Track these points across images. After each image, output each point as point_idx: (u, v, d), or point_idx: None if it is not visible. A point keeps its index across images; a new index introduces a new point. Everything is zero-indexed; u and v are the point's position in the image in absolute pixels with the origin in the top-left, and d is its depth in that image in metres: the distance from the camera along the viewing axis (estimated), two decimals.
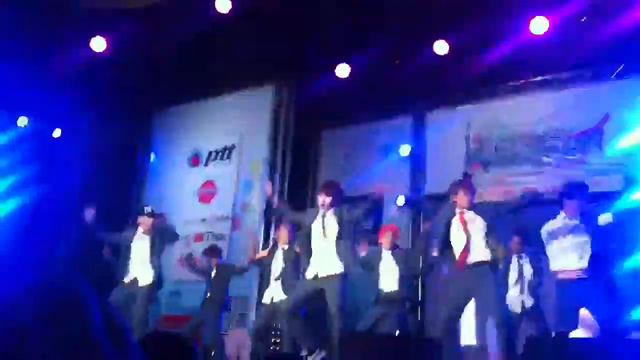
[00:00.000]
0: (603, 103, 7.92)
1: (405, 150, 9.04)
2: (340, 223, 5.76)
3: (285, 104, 9.34)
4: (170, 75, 9.45)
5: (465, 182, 5.91)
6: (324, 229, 5.77)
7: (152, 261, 6.69)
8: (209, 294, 7.44)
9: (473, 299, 5.48)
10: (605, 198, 6.21)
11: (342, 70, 8.62)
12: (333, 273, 5.66)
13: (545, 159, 8.15)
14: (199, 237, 9.11)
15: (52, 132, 9.95)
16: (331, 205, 5.84)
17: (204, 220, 9.27)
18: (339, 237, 5.76)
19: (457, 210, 5.54)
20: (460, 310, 5.60)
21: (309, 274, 5.80)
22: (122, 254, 6.94)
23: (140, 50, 8.87)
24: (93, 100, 9.63)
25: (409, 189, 8.77)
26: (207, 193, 9.50)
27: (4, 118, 9.60)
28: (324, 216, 5.82)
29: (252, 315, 7.92)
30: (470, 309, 5.79)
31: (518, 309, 6.90)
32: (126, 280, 6.75)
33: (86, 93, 9.48)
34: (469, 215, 5.49)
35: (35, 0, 8.21)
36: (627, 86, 7.78)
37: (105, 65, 8.99)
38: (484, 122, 8.76)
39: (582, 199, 5.69)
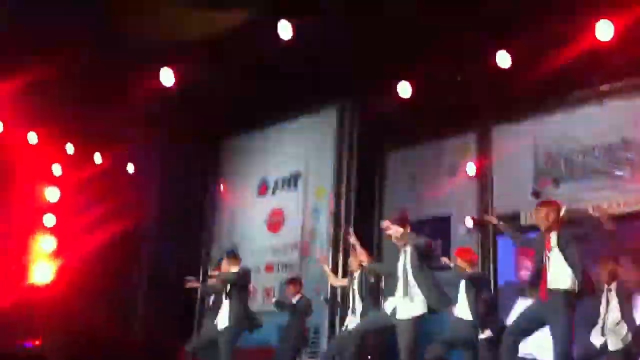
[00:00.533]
0: None
1: (471, 168, 8.86)
2: (414, 256, 5.65)
3: (349, 127, 9.37)
4: (236, 104, 9.63)
5: (544, 201, 5.61)
6: (406, 266, 5.60)
7: (230, 306, 6.74)
8: (287, 327, 7.50)
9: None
10: None
11: (404, 90, 8.55)
12: (411, 316, 5.48)
13: (618, 172, 7.83)
14: (269, 268, 9.28)
15: (125, 167, 10.27)
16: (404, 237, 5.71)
17: (273, 249, 9.44)
18: (419, 270, 5.61)
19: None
20: (526, 334, 5.36)
21: (389, 307, 5.63)
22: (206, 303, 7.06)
23: (207, 81, 9.08)
24: (163, 132, 9.93)
25: (477, 209, 8.61)
26: (275, 222, 9.66)
27: (80, 155, 10.00)
28: (404, 253, 5.65)
29: (324, 345, 7.96)
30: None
31: (597, 349, 6.26)
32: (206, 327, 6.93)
33: (156, 126, 9.79)
34: (552, 237, 5.10)
35: (103, 40, 8.56)
36: None
37: (174, 98, 9.24)
38: (552, 134, 8.48)
39: None
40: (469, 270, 6.65)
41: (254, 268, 9.06)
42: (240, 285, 6.83)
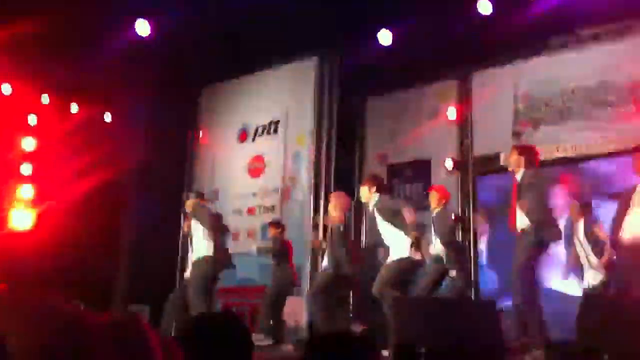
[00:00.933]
0: None
1: (452, 112, 8.91)
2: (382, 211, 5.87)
3: (329, 74, 9.34)
4: (215, 52, 9.51)
5: (514, 146, 5.85)
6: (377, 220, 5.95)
7: (203, 242, 6.74)
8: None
9: None
10: None
11: (384, 37, 8.50)
12: (389, 261, 5.82)
13: (597, 113, 7.90)
14: (251, 210, 9.36)
15: (103, 116, 10.15)
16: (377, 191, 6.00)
17: (254, 194, 9.49)
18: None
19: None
20: None
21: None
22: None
23: (185, 29, 8.94)
24: (141, 81, 9.79)
25: (457, 151, 8.69)
26: (256, 168, 9.70)
27: (58, 105, 9.86)
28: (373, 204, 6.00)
29: (307, 284, 8.08)
30: None
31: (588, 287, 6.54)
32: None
33: (134, 75, 9.65)
34: (517, 178, 5.43)
35: None
36: None
37: (152, 46, 9.09)
38: (532, 79, 8.52)
39: None
40: (438, 208, 6.86)
41: (236, 211, 9.18)
42: (211, 223, 6.84)
